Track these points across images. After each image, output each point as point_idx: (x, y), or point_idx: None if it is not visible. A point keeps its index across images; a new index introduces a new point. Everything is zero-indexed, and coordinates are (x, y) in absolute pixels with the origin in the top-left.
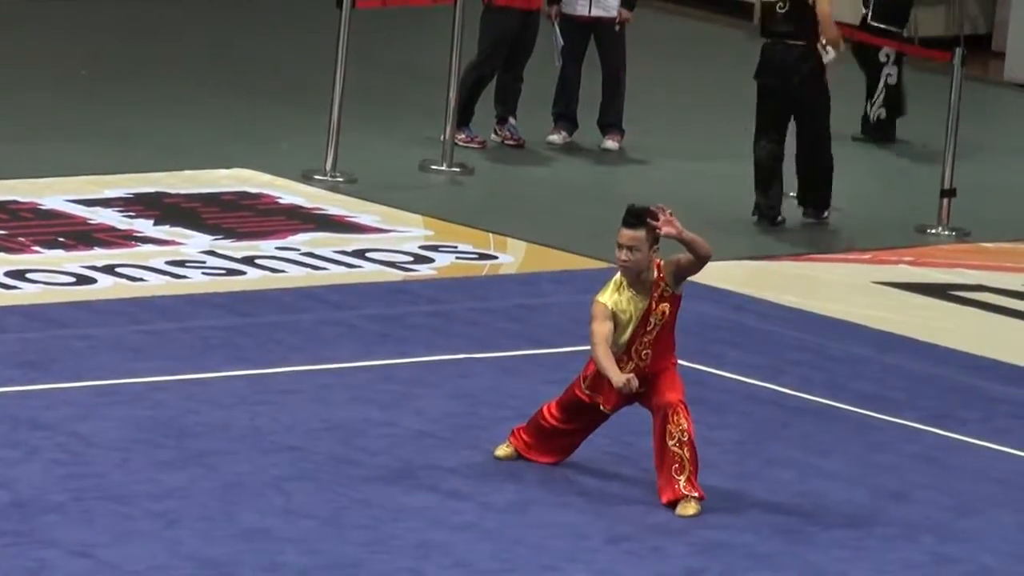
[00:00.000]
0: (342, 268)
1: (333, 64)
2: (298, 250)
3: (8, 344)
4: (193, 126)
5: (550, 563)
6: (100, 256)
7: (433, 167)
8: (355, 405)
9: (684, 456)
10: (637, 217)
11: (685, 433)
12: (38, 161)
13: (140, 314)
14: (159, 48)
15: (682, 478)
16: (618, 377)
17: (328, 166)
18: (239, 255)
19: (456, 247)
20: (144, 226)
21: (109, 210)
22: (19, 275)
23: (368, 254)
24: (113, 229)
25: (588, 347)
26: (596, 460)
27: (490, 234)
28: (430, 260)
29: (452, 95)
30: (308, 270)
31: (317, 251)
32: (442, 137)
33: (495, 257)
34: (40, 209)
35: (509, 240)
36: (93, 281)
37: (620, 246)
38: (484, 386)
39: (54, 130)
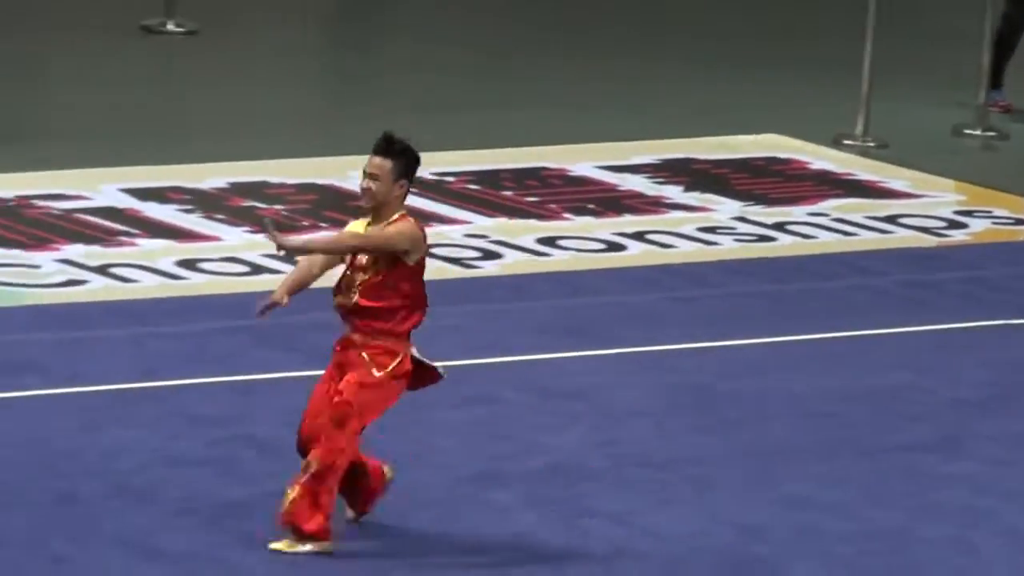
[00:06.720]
0: (873, 234)
1: (863, 28)
2: (828, 215)
3: (540, 312)
4: (721, 90)
5: None
6: (630, 223)
7: (966, 131)
8: (890, 371)
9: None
10: (386, 146)
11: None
12: (566, 128)
13: (670, 281)
14: (691, 12)
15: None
16: (289, 240)
17: (859, 131)
18: (770, 221)
19: (991, 212)
20: (673, 192)
21: (637, 176)
22: (550, 242)
23: (899, 219)
24: (641, 195)
25: None
26: None
27: None
28: (964, 225)
29: (985, 57)
30: (839, 236)
31: (848, 216)
32: (976, 101)
33: None
34: (569, 176)
35: None
36: (623, 248)
37: (364, 172)
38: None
39: (578, 96)
